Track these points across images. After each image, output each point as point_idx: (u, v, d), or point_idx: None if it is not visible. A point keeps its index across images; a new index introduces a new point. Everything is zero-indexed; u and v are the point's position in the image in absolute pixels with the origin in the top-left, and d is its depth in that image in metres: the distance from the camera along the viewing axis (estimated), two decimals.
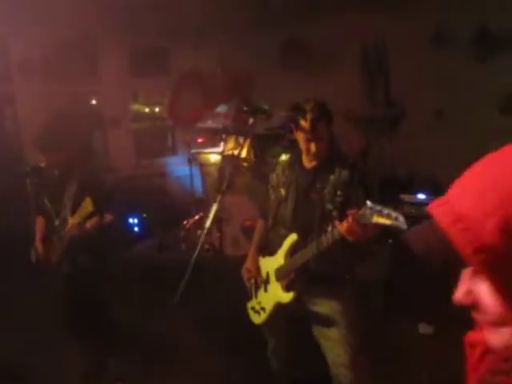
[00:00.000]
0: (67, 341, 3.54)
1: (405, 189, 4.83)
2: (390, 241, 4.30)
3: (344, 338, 2.59)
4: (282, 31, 7.22)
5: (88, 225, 3.25)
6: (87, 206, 3.02)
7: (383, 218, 2.08)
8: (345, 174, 2.52)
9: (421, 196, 4.45)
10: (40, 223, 3.59)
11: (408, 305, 4.13)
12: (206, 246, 5.61)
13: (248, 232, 5.29)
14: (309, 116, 2.49)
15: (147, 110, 8.51)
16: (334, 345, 2.62)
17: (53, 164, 3.32)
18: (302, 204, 2.65)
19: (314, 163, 2.64)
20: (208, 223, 2.41)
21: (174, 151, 8.47)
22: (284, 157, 2.86)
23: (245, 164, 6.53)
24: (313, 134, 2.52)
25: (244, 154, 6.79)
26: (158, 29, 6.97)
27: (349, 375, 2.59)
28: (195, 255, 2.36)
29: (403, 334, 4.05)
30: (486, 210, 0.69)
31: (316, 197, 2.57)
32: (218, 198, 2.44)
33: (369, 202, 2.14)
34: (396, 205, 4.42)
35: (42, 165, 3.34)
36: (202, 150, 6.95)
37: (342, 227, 2.26)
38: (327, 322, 2.62)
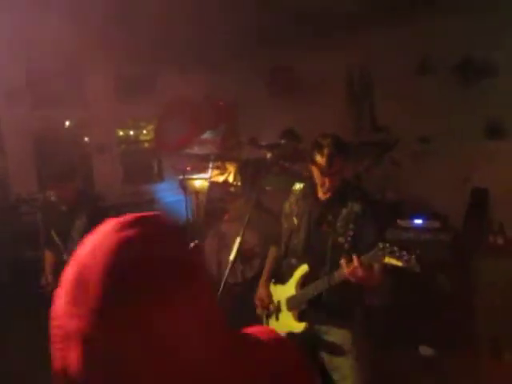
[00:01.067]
0: None
1: (397, 211, 4.94)
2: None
3: (354, 369, 2.60)
4: (267, 58, 7.36)
5: None
6: None
7: (395, 259, 2.13)
8: (357, 207, 2.56)
9: (417, 221, 4.55)
10: (48, 257, 3.56)
11: (407, 327, 4.21)
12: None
13: (243, 258, 5.29)
14: (325, 151, 2.53)
15: (136, 140, 8.53)
16: (344, 375, 2.63)
17: (63, 196, 3.31)
18: (313, 235, 2.69)
19: (327, 195, 2.69)
20: (232, 256, 2.43)
21: (160, 178, 8.47)
22: (298, 186, 2.91)
23: (232, 189, 6.57)
24: (329, 170, 2.56)
25: (231, 179, 6.85)
26: (144, 55, 7.04)
27: None
28: (220, 291, 2.38)
29: (403, 356, 4.11)
30: (70, 311, 0.76)
31: (327, 229, 2.61)
32: (241, 232, 2.47)
33: (381, 243, 2.20)
34: (392, 230, 4.55)
35: (53, 198, 3.34)
36: (190, 176, 6.97)
37: (348, 269, 2.31)
38: (338, 351, 2.64)
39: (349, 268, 2.29)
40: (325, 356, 2.72)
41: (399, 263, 2.12)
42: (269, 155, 2.69)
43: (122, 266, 0.75)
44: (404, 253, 2.11)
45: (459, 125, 5.60)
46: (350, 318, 2.68)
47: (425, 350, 4.21)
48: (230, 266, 2.44)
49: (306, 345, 2.79)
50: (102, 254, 0.76)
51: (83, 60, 6.87)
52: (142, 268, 0.74)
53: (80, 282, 0.76)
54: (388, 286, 4.29)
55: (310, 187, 2.79)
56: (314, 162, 2.60)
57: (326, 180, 2.60)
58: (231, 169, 7.01)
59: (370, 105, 6.72)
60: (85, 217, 3.22)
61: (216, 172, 6.81)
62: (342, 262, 2.34)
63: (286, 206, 2.91)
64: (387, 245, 2.17)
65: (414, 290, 4.31)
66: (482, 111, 5.53)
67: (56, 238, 3.39)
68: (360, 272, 2.25)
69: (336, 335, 2.66)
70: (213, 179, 6.66)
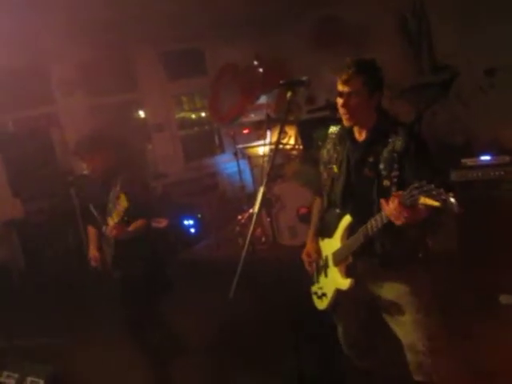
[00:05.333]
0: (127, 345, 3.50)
1: (465, 153, 4.52)
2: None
3: (417, 323, 2.36)
4: (314, 12, 7.02)
5: (131, 228, 3.16)
6: (122, 202, 2.89)
7: (431, 198, 1.86)
8: (399, 144, 2.26)
9: (484, 158, 4.13)
10: (92, 232, 3.56)
11: (486, 274, 3.85)
12: (263, 239, 5.52)
13: (305, 220, 5.15)
14: (343, 74, 2.26)
15: (193, 116, 8.49)
16: (406, 331, 2.41)
17: (94, 170, 3.28)
18: (355, 181, 2.42)
19: (364, 136, 2.40)
20: (256, 208, 2.25)
21: (222, 149, 8.42)
22: (334, 129, 2.61)
23: (294, 152, 6.39)
24: (344, 85, 2.26)
25: (292, 141, 6.66)
26: (189, 30, 6.92)
27: (426, 362, 2.37)
28: (246, 245, 2.21)
29: (482, 306, 3.76)
30: None
31: (369, 173, 2.33)
32: (264, 181, 2.27)
33: (416, 183, 1.93)
34: (458, 171, 4.17)
35: (85, 172, 3.31)
36: (249, 144, 6.85)
37: (388, 211, 2.07)
38: (396, 306, 2.40)
39: (389, 208, 2.06)
40: (383, 311, 2.50)
41: (436, 203, 1.85)
42: (289, 94, 2.39)
43: None
44: (441, 191, 1.84)
45: None
46: (407, 267, 2.39)
47: (506, 299, 3.83)
48: (254, 218, 2.25)
49: (359, 303, 2.59)
50: None
51: (127, 42, 6.87)
52: None
53: None
54: (451, 228, 3.97)
55: (346, 128, 2.48)
56: (338, 94, 2.32)
57: (342, 101, 2.30)
58: (291, 132, 6.83)
59: (428, 43, 6.21)
60: (119, 187, 3.15)
61: (276, 136, 6.63)
62: (382, 202, 2.10)
63: (324, 153, 2.63)
64: (423, 183, 1.90)
65: (492, 233, 3.92)
66: None
67: (95, 213, 3.38)
68: (402, 211, 2.00)
69: (392, 289, 2.41)
70: (273, 143, 6.48)
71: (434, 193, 1.85)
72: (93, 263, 3.46)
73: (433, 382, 2.38)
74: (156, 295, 3.36)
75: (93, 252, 3.48)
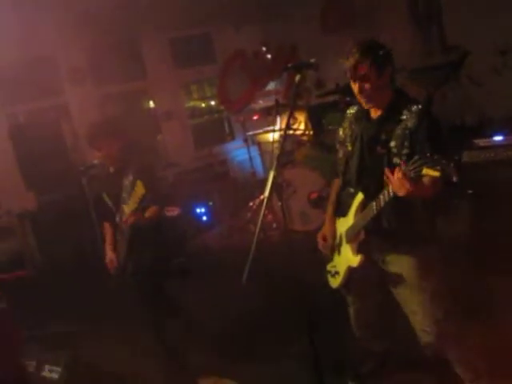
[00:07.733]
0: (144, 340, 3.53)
1: (478, 134, 4.45)
2: (470, 191, 3.99)
3: (424, 302, 2.38)
4: None
5: (146, 214, 3.16)
6: (139, 189, 2.87)
7: (432, 169, 1.87)
8: (411, 121, 2.25)
9: (497, 138, 4.06)
10: (107, 231, 3.50)
11: (499, 257, 3.81)
12: (274, 225, 5.53)
13: (316, 205, 5.14)
14: (350, 56, 2.26)
15: (203, 104, 8.47)
16: (414, 309, 2.43)
17: (107, 157, 3.27)
18: (367, 159, 2.43)
19: (378, 113, 2.40)
20: (266, 192, 2.25)
21: (232, 136, 8.40)
22: (351, 110, 2.63)
23: (304, 137, 6.37)
24: (355, 74, 2.27)
25: (302, 127, 6.64)
26: (197, 15, 6.88)
27: (433, 342, 2.40)
28: (257, 231, 2.22)
29: (498, 286, 3.72)
30: None
31: (381, 150, 2.33)
32: (274, 165, 2.27)
33: (417, 155, 1.94)
34: (470, 152, 4.12)
35: (96, 162, 3.32)
36: (259, 131, 6.84)
37: (393, 182, 2.06)
38: (403, 283, 2.42)
39: (392, 181, 2.06)
40: (392, 289, 2.51)
41: (436, 173, 1.86)
42: (297, 78, 2.38)
43: None
44: (443, 161, 1.84)
45: None
46: (415, 244, 2.38)
47: None
48: (265, 202, 2.26)
49: (370, 279, 2.60)
50: None
51: (135, 30, 6.86)
52: None
53: None
54: (464, 210, 3.94)
55: (362, 108, 2.49)
56: (349, 77, 2.34)
57: (357, 87, 2.32)
58: (301, 117, 6.81)
59: (438, 24, 6.12)
60: (131, 175, 3.14)
61: (285, 121, 6.61)
62: (387, 174, 2.09)
63: (340, 132, 2.66)
64: (427, 155, 1.90)
65: (505, 215, 3.88)
66: None
67: (108, 202, 3.38)
68: (405, 183, 1.99)
69: (401, 265, 2.42)
70: (283, 130, 6.45)
71: (435, 164, 1.85)
72: (110, 268, 3.41)
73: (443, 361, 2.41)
74: (170, 283, 3.37)
75: (109, 254, 3.42)
